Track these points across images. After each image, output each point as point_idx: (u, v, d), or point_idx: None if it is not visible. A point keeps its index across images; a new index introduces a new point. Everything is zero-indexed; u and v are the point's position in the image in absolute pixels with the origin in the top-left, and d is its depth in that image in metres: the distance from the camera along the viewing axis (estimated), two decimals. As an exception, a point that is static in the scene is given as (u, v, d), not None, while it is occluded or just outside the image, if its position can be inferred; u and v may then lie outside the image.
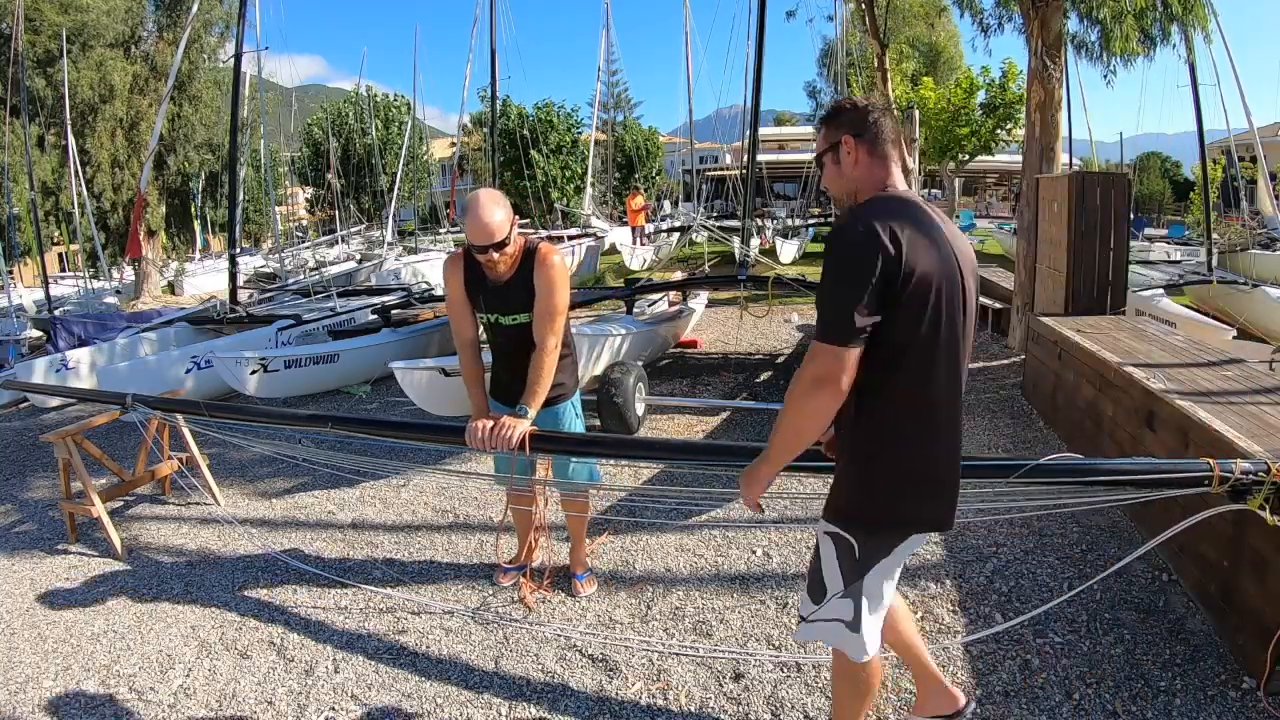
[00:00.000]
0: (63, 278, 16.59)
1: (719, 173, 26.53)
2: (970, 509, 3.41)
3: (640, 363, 5.85)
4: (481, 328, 2.72)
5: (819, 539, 1.77)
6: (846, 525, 1.69)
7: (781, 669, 2.52)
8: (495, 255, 2.43)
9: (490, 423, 2.36)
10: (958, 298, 1.54)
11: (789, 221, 19.97)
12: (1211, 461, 1.90)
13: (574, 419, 2.85)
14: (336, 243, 21.84)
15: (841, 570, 1.71)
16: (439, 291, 9.98)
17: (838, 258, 1.51)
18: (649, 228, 19.56)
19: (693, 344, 8.11)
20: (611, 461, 3.40)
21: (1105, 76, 8.27)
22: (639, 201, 19.11)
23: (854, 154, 1.62)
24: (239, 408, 3.44)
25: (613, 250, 17.95)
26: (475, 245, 2.44)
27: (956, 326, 1.54)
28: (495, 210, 2.39)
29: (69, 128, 13.33)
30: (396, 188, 19.73)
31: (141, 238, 11.80)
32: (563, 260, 2.55)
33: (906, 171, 1.69)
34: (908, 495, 1.62)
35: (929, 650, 2.16)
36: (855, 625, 1.73)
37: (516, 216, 2.51)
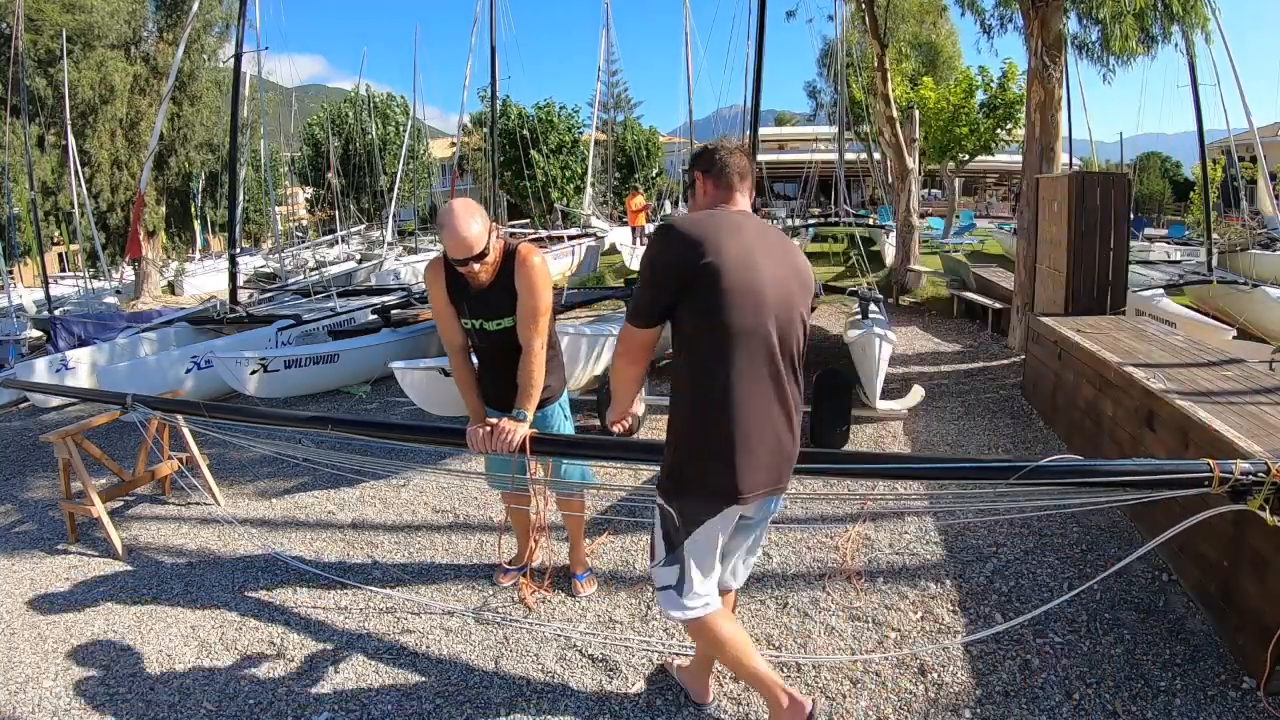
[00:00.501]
0: (63, 278, 16.59)
1: (719, 173, 26.43)
2: (970, 509, 3.44)
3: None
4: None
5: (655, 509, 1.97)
6: (664, 497, 1.91)
7: (781, 669, 2.52)
8: (475, 267, 2.38)
9: (489, 427, 2.41)
10: (758, 296, 1.74)
11: (789, 221, 19.98)
12: (1211, 462, 1.90)
13: (563, 420, 2.84)
14: (336, 243, 21.84)
15: (666, 539, 1.94)
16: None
17: (646, 254, 1.83)
18: (649, 228, 19.56)
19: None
20: (611, 463, 3.40)
21: (1104, 76, 8.25)
22: (639, 201, 19.11)
23: (703, 186, 1.98)
24: (239, 409, 3.44)
25: (613, 250, 17.96)
26: (453, 259, 2.40)
27: (756, 318, 1.74)
28: (471, 223, 2.32)
29: (69, 128, 13.32)
30: (396, 188, 19.72)
31: (141, 238, 11.80)
32: (543, 260, 2.51)
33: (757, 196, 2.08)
34: (703, 468, 1.82)
35: (762, 658, 2.13)
36: (680, 589, 1.94)
37: (495, 223, 2.47)
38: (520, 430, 2.36)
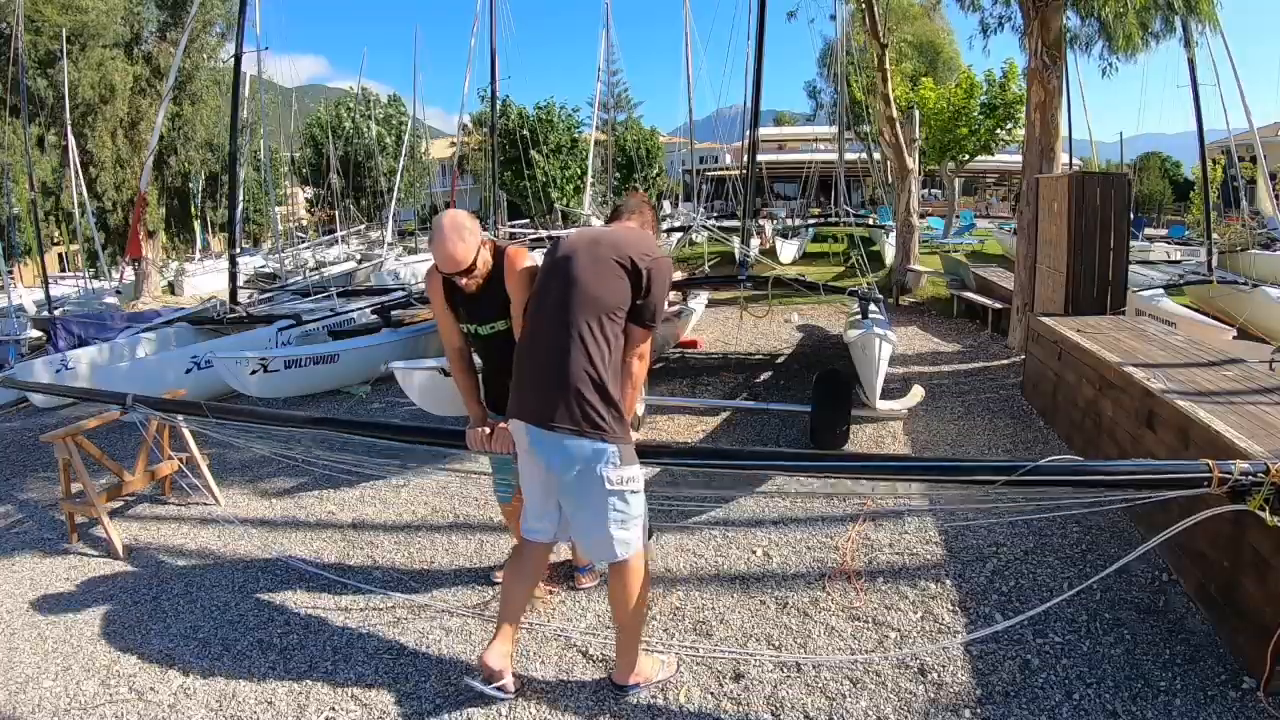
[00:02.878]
0: (63, 278, 16.58)
1: (719, 173, 26.53)
2: (970, 509, 3.44)
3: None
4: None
5: None
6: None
7: (781, 669, 2.52)
8: (464, 280, 2.40)
9: (489, 429, 2.49)
10: (564, 266, 2.25)
11: (789, 221, 19.99)
12: (1211, 463, 1.90)
13: None
14: (336, 243, 21.84)
15: None
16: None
17: None
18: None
19: (693, 344, 8.11)
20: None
21: (1104, 71, 8.24)
22: (638, 201, 19.06)
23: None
24: (242, 409, 3.44)
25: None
26: (443, 273, 2.43)
27: (557, 285, 2.25)
28: (458, 240, 2.32)
29: (69, 128, 13.33)
30: (396, 188, 19.72)
31: (141, 238, 11.81)
32: (533, 261, 2.49)
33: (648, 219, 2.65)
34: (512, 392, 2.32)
35: (519, 607, 2.46)
36: None
37: (485, 236, 2.46)
38: None
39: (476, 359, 2.75)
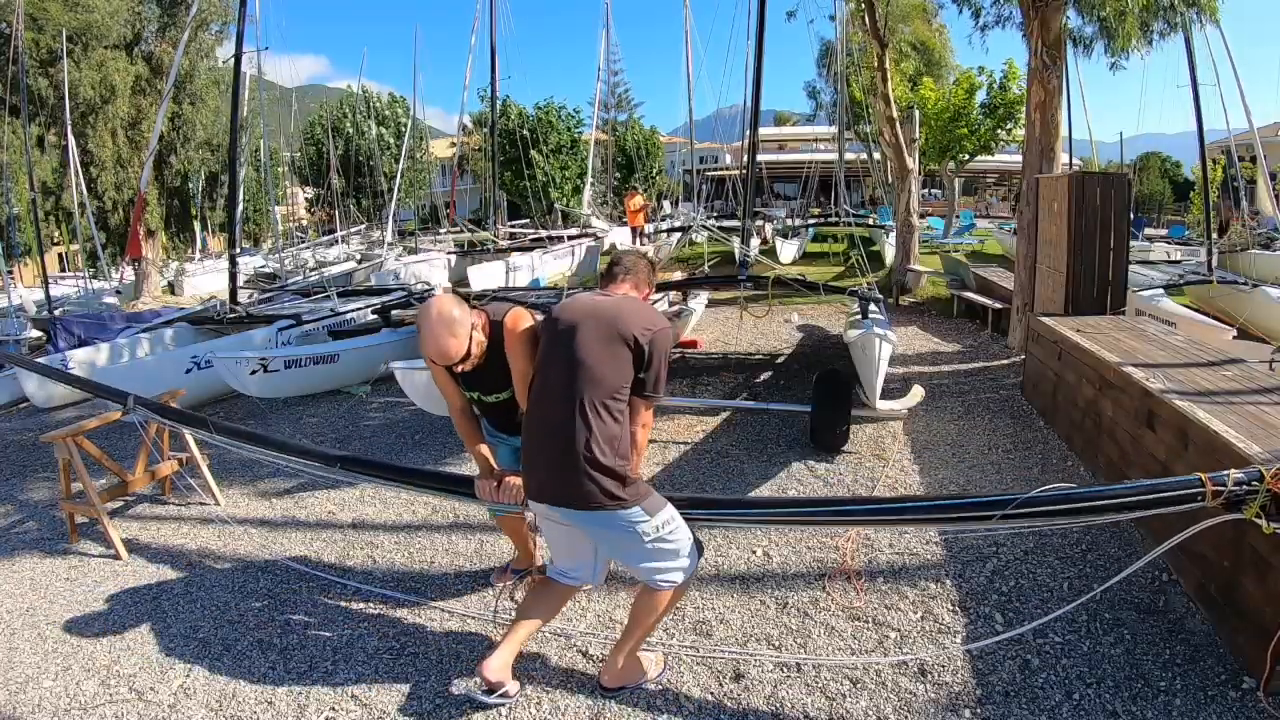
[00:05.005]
0: (63, 278, 16.58)
1: (719, 173, 26.53)
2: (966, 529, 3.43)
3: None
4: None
5: None
6: None
7: (781, 669, 2.52)
8: (459, 368, 2.39)
9: (497, 481, 2.54)
10: (566, 342, 2.24)
11: (789, 221, 19.98)
12: (1204, 476, 1.90)
13: None
14: (336, 243, 21.84)
15: None
16: (438, 291, 9.98)
17: None
18: (648, 228, 19.53)
19: (693, 344, 8.11)
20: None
21: (1111, 66, 8.21)
22: (638, 201, 19.08)
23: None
24: (248, 433, 3.39)
25: (613, 250, 17.96)
26: (436, 364, 2.41)
27: (559, 364, 2.24)
28: (448, 337, 2.28)
29: (69, 128, 13.32)
30: (396, 188, 19.71)
31: (141, 238, 11.80)
32: (531, 322, 2.44)
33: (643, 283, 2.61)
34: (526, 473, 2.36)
35: (529, 633, 2.48)
36: None
37: (476, 317, 2.39)
38: None
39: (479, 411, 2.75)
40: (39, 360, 6.49)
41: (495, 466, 2.65)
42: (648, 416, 2.37)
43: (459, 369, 2.41)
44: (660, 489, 2.40)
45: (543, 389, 2.29)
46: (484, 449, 2.67)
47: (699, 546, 2.41)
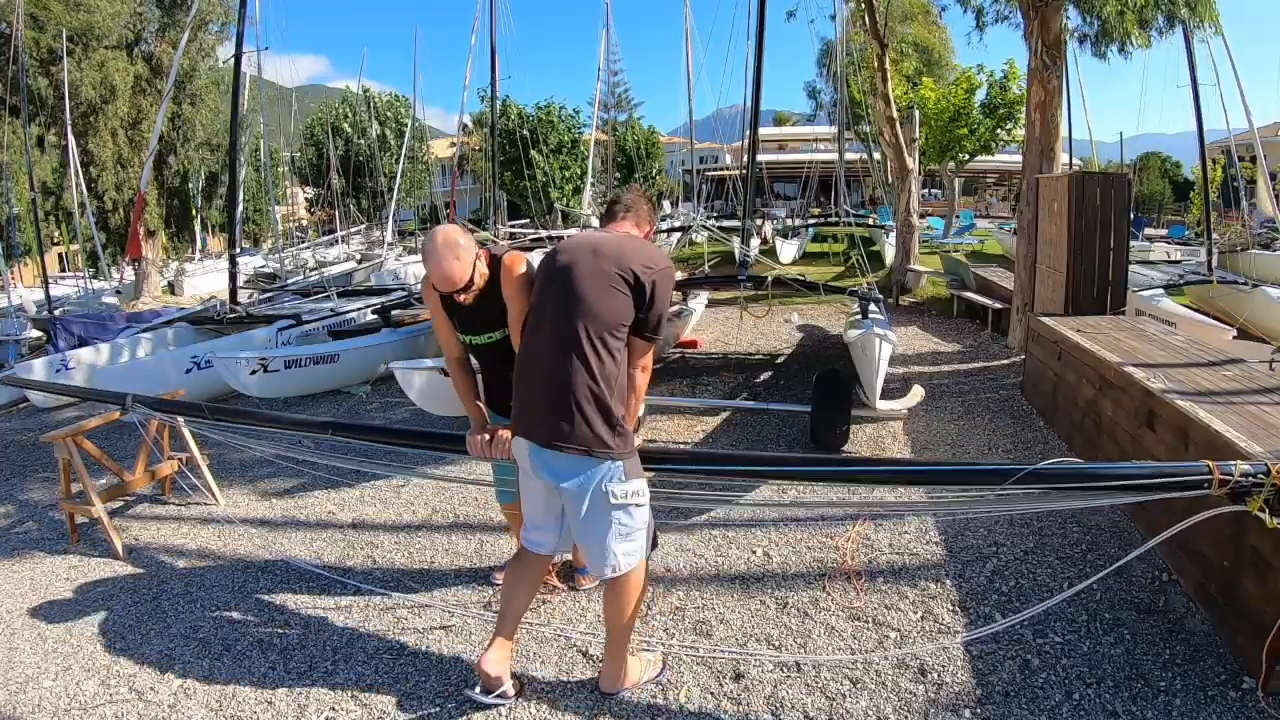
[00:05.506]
0: (63, 278, 16.58)
1: (719, 173, 26.53)
2: (969, 509, 3.43)
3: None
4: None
5: None
6: None
7: (781, 669, 2.52)
8: (461, 297, 2.38)
9: (489, 434, 2.48)
10: (563, 278, 2.19)
11: (789, 221, 19.98)
12: (1211, 464, 1.90)
13: None
14: (336, 243, 21.84)
15: None
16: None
17: None
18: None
19: (693, 344, 8.11)
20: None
21: (1109, 57, 8.18)
22: (638, 201, 19.02)
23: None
24: (241, 411, 3.44)
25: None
26: (440, 291, 2.40)
27: (556, 299, 2.19)
28: (452, 259, 2.28)
29: (69, 128, 13.32)
30: (396, 188, 19.72)
31: (141, 238, 11.80)
32: (528, 267, 2.45)
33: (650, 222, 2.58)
34: (514, 409, 2.30)
35: (517, 617, 2.45)
36: None
37: (480, 249, 2.40)
38: None
39: (476, 363, 2.74)
40: (35, 377, 6.48)
41: (488, 421, 2.62)
42: (647, 359, 2.31)
43: (460, 298, 2.38)
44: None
45: (538, 325, 2.23)
46: (479, 403, 2.66)
47: (654, 539, 2.39)
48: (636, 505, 2.22)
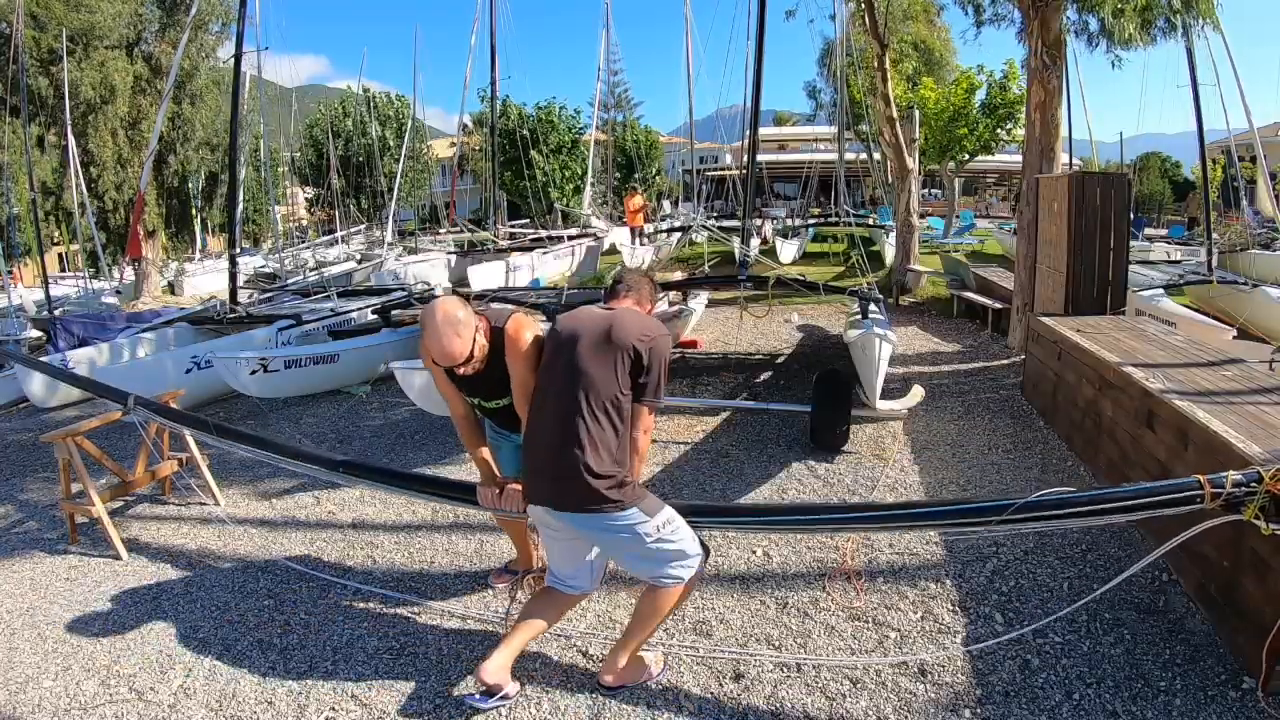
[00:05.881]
0: (63, 278, 16.58)
1: (719, 173, 26.53)
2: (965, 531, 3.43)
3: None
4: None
5: None
6: None
7: (781, 669, 2.52)
8: (462, 369, 2.39)
9: (499, 489, 2.60)
10: (567, 351, 2.32)
11: (789, 221, 19.98)
12: (1202, 479, 1.90)
13: None
14: (336, 243, 21.84)
15: None
16: (438, 291, 10.00)
17: None
18: (648, 228, 19.50)
19: (693, 344, 8.11)
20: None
21: (1111, 62, 8.18)
22: (637, 201, 19.02)
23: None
24: (250, 435, 3.40)
25: (613, 250, 17.95)
26: (439, 366, 2.41)
27: (560, 372, 2.31)
28: (453, 336, 2.28)
29: (69, 128, 13.32)
30: (396, 188, 19.71)
31: (141, 238, 11.80)
32: (533, 335, 2.46)
33: (647, 301, 2.70)
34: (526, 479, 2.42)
35: (530, 637, 2.47)
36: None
37: (478, 321, 2.39)
38: None
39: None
40: (42, 360, 6.48)
41: (498, 474, 2.67)
42: (649, 421, 2.41)
43: (460, 371, 2.40)
44: (660, 489, 2.41)
45: (544, 397, 2.35)
46: (486, 454, 2.68)
47: (704, 546, 2.43)
48: (671, 530, 2.32)
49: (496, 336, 2.44)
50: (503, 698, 2.36)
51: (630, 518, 2.24)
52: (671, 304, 8.04)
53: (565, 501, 2.25)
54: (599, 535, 2.32)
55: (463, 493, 2.77)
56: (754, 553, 3.36)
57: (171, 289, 16.33)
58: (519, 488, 2.48)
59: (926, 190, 29.39)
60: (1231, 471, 1.92)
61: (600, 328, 2.36)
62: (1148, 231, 21.41)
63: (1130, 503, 1.99)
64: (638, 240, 17.67)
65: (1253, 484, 1.87)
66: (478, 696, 2.36)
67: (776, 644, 2.68)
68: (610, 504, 2.21)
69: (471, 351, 2.34)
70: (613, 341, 2.31)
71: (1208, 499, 1.88)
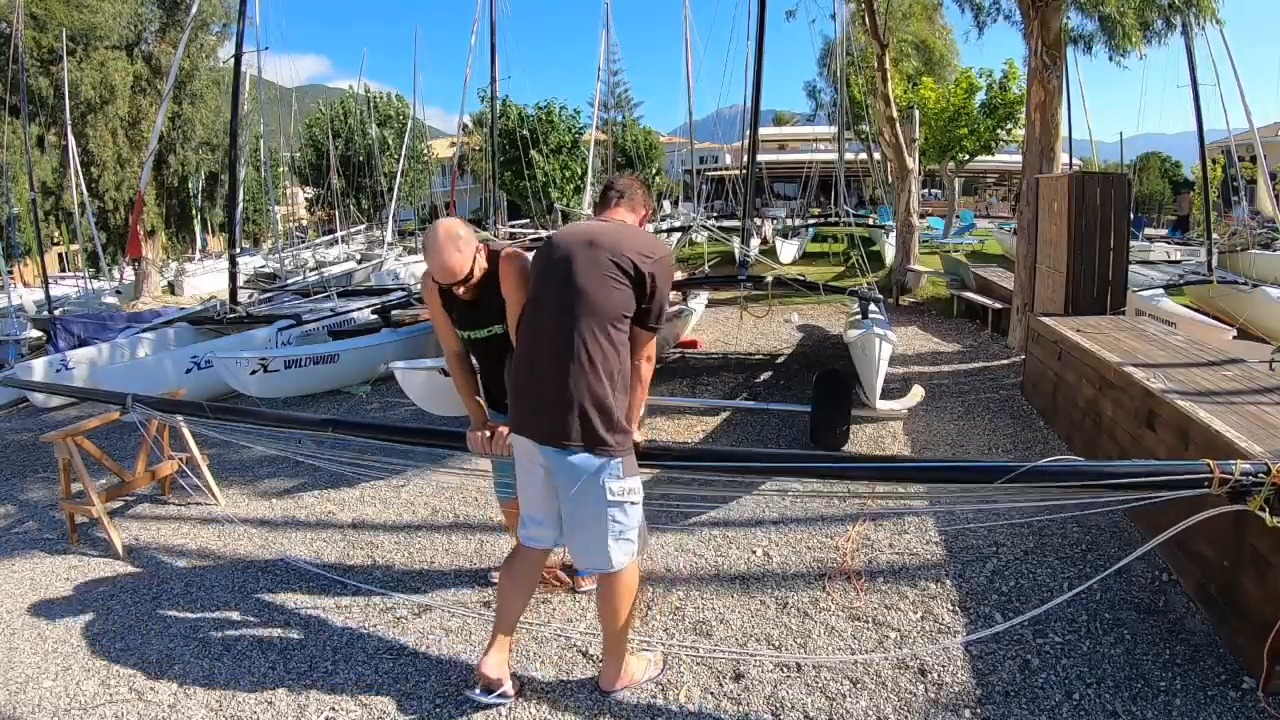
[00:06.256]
0: (63, 278, 16.58)
1: (719, 173, 26.53)
2: (969, 510, 3.44)
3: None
4: None
5: None
6: None
7: (781, 669, 2.52)
8: (460, 290, 2.38)
9: (489, 431, 2.50)
10: (561, 270, 2.17)
11: (789, 221, 19.98)
12: (1211, 463, 1.90)
13: None
14: (336, 243, 21.84)
15: None
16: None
17: None
18: (648, 228, 19.48)
19: (693, 344, 8.11)
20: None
21: (1112, 58, 8.17)
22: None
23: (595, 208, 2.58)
24: (242, 409, 3.44)
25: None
26: (440, 283, 2.40)
27: (554, 293, 2.17)
28: (454, 251, 2.29)
29: (69, 127, 13.32)
30: (396, 188, 19.72)
31: (141, 238, 11.80)
32: (524, 262, 2.44)
33: (641, 212, 2.54)
34: (511, 405, 2.30)
35: (515, 615, 2.43)
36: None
37: (480, 244, 2.40)
38: None
39: (475, 359, 2.75)
40: (35, 377, 6.48)
41: (488, 417, 2.63)
42: (651, 349, 2.30)
43: (459, 291, 2.38)
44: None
45: (536, 319, 2.21)
46: (478, 399, 2.67)
47: (644, 538, 2.38)
48: (631, 504, 2.22)
49: (493, 260, 2.43)
50: (502, 694, 2.36)
51: (607, 468, 2.13)
52: (671, 304, 8.04)
53: (554, 431, 2.10)
54: (568, 475, 2.15)
55: (451, 440, 2.71)
56: (754, 552, 3.36)
57: (171, 289, 16.33)
58: (508, 431, 2.37)
59: (926, 190, 29.38)
60: (1240, 460, 1.92)
61: (598, 244, 2.18)
62: (1148, 231, 21.40)
63: (1138, 478, 1.95)
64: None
65: (1260, 475, 1.86)
66: (479, 692, 2.36)
67: (776, 644, 2.68)
68: (599, 446, 2.10)
69: (471, 270, 2.33)
70: (611, 259, 2.14)
71: (1215, 484, 1.87)
